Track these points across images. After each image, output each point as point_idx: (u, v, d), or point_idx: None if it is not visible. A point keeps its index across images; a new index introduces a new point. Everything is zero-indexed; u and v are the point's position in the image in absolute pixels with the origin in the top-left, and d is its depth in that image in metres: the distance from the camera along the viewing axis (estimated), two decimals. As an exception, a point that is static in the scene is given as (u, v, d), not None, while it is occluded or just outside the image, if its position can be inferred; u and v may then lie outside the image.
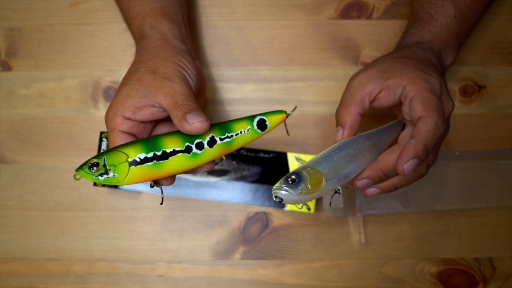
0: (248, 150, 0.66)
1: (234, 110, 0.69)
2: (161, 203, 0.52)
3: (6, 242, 0.67)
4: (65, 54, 0.70)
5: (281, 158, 0.66)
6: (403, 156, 0.46)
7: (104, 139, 0.67)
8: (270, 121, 0.49)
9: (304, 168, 0.46)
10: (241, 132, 0.48)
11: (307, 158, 0.66)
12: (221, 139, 0.48)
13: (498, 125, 0.69)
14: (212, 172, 0.66)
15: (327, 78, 0.69)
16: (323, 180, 0.47)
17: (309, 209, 0.66)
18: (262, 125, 0.49)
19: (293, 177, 0.45)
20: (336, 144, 0.50)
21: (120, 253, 0.67)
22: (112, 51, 0.70)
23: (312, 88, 0.69)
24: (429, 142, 0.47)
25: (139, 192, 0.67)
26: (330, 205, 0.54)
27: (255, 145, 0.66)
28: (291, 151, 0.67)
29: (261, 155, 0.66)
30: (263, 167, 0.66)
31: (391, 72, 0.52)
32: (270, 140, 0.67)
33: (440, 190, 0.67)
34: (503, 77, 0.69)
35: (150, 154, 0.45)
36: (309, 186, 0.46)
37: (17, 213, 0.68)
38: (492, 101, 0.69)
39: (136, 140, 0.46)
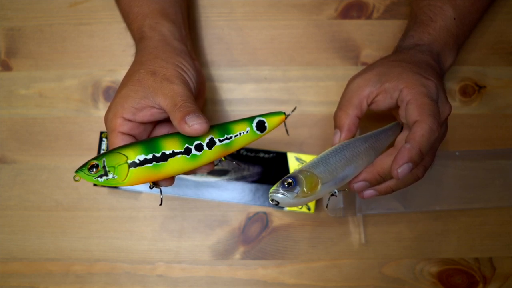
0: (248, 150, 0.66)
1: (234, 110, 0.69)
2: (160, 204, 0.52)
3: (6, 242, 0.67)
4: (65, 54, 0.70)
5: (281, 158, 0.66)
6: (397, 160, 0.47)
7: (104, 139, 0.67)
8: (269, 122, 0.49)
9: (300, 171, 0.47)
10: (240, 133, 0.48)
11: (307, 158, 0.66)
12: (220, 141, 0.48)
13: (498, 125, 0.69)
14: (212, 172, 0.66)
15: (327, 78, 0.69)
16: (319, 183, 0.47)
17: (309, 209, 0.66)
18: (261, 126, 0.49)
19: (289, 180, 0.46)
20: (333, 147, 0.50)
21: (120, 253, 0.67)
22: (112, 51, 0.70)
23: (312, 88, 0.69)
24: (423, 146, 0.47)
25: (139, 192, 0.67)
26: (326, 207, 0.55)
27: (255, 145, 0.66)
28: (291, 151, 0.67)
29: (261, 155, 0.66)
30: (263, 167, 0.66)
31: (389, 75, 0.52)
32: (270, 140, 0.67)
33: (440, 190, 0.67)
34: (503, 77, 0.69)
35: (150, 156, 0.45)
36: (305, 189, 0.46)
37: (17, 213, 0.68)
38: (492, 101, 0.69)
39: (136, 142, 0.46)
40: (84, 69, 0.69)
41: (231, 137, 0.48)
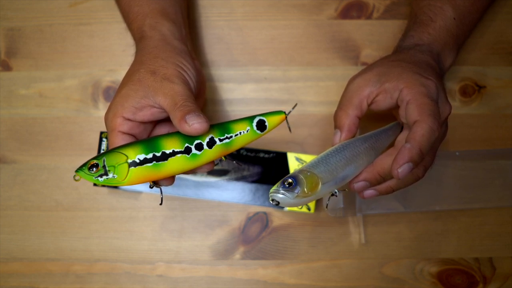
0: (248, 150, 0.66)
1: (234, 110, 0.69)
2: (161, 204, 0.52)
3: (6, 242, 0.67)
4: (65, 54, 0.70)
5: (281, 158, 0.66)
6: (398, 160, 0.47)
7: (104, 139, 0.67)
8: (269, 121, 0.49)
9: (301, 171, 0.47)
10: (240, 133, 0.48)
11: (307, 158, 0.66)
12: (221, 140, 0.48)
13: (498, 125, 0.69)
14: (212, 172, 0.66)
15: (327, 78, 0.69)
16: (320, 183, 0.47)
17: (309, 209, 0.66)
18: (261, 125, 0.49)
19: (290, 180, 0.46)
20: (333, 147, 0.50)
21: (120, 253, 0.67)
22: (112, 51, 0.70)
23: (312, 88, 0.69)
24: (423, 146, 0.47)
25: (139, 192, 0.67)
26: (326, 207, 0.55)
27: (255, 145, 0.66)
28: (291, 151, 0.67)
29: (261, 155, 0.66)
30: (263, 167, 0.66)
31: (389, 75, 0.52)
32: (270, 140, 0.67)
33: (440, 190, 0.67)
34: (503, 77, 0.69)
35: (150, 155, 0.45)
36: (305, 189, 0.46)
37: (17, 213, 0.68)
38: (492, 101, 0.69)
39: (136, 141, 0.46)
40: (84, 69, 0.69)
41: (231, 137, 0.48)
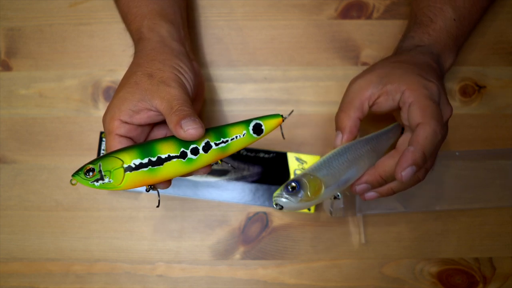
0: (248, 150, 0.66)
1: (233, 110, 0.69)
2: (157, 206, 0.52)
3: (6, 242, 0.68)
4: (65, 54, 0.70)
5: (281, 158, 0.66)
6: (401, 163, 0.47)
7: (104, 139, 0.67)
8: (266, 125, 0.49)
9: (304, 175, 0.47)
10: (236, 137, 0.48)
11: (307, 158, 0.66)
12: (216, 144, 0.47)
13: (498, 125, 0.69)
14: (212, 172, 0.66)
15: (327, 78, 0.69)
16: (323, 187, 0.47)
17: (309, 209, 0.66)
18: (258, 129, 0.48)
19: (293, 184, 0.46)
20: (335, 150, 0.50)
21: (120, 253, 0.67)
22: (112, 51, 0.70)
23: (312, 88, 0.69)
24: (427, 149, 0.47)
25: (139, 192, 0.67)
26: (331, 214, 0.55)
27: (255, 145, 0.66)
28: (291, 151, 0.67)
29: (261, 155, 0.66)
30: (263, 167, 0.66)
31: (390, 77, 0.52)
32: (270, 140, 0.67)
33: (440, 190, 0.67)
34: (503, 77, 0.69)
35: (145, 160, 0.45)
36: (309, 193, 0.46)
37: (17, 213, 0.68)
38: (492, 101, 0.69)
39: (132, 146, 0.46)
40: (84, 69, 0.69)
41: (227, 141, 0.48)
